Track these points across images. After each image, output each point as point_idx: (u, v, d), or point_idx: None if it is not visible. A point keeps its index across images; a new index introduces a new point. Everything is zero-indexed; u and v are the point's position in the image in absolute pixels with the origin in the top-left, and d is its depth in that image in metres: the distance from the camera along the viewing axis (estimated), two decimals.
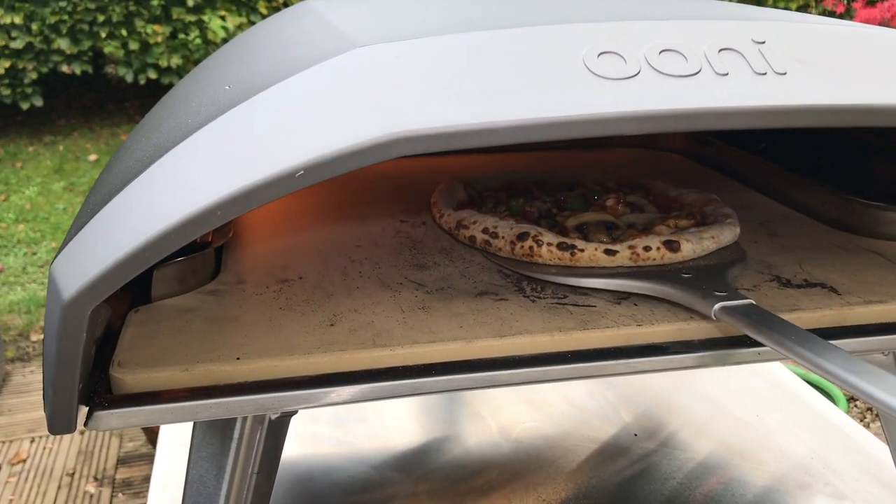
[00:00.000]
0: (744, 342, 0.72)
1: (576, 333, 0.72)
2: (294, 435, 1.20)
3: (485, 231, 0.89)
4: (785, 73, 0.59)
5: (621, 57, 0.58)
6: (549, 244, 0.84)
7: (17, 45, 5.32)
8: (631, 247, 0.84)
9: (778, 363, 1.52)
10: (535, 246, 0.85)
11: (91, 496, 2.71)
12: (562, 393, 1.32)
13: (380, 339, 0.70)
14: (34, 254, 4.51)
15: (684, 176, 1.21)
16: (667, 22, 0.62)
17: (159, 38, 5.59)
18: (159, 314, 0.75)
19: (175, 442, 1.22)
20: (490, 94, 0.56)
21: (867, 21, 4.75)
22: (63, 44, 5.42)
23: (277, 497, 1.09)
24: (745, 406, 1.32)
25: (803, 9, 5.64)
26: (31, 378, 3.39)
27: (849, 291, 0.80)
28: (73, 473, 2.82)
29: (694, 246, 0.85)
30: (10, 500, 2.67)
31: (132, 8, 5.49)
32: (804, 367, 0.62)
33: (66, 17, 5.37)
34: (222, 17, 5.69)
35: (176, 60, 5.64)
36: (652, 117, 0.55)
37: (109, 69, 6.13)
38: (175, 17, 5.60)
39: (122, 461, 2.90)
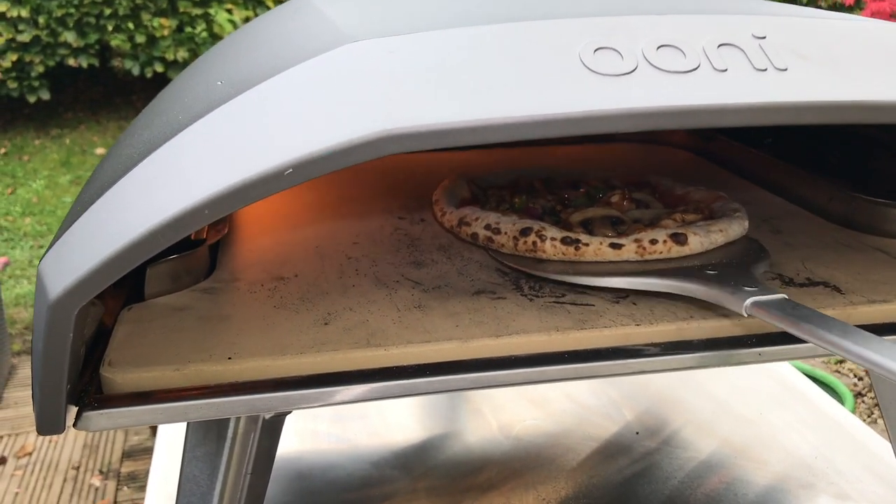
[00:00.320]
0: (744, 342, 0.71)
1: (573, 333, 0.71)
2: (293, 432, 1.20)
3: (487, 227, 0.88)
4: (786, 69, 0.58)
5: (618, 52, 0.57)
6: (553, 239, 0.83)
7: (24, 38, 5.32)
8: (637, 240, 0.82)
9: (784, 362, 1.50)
10: (538, 241, 0.83)
11: (96, 489, 2.71)
12: (563, 390, 1.31)
13: (374, 338, 0.69)
14: (41, 247, 4.52)
15: (689, 172, 1.19)
16: (665, 17, 0.60)
17: (166, 32, 5.58)
18: (152, 313, 0.74)
19: (174, 437, 1.22)
20: (483, 91, 0.55)
21: (876, 13, 4.71)
22: (70, 37, 5.42)
23: (276, 494, 1.08)
24: (749, 404, 1.31)
25: (813, 3, 5.59)
26: None
27: (852, 290, 0.79)
28: (79, 467, 2.83)
29: (702, 239, 0.83)
30: (17, 493, 2.68)
31: (138, 1, 5.48)
32: (855, 363, 0.58)
33: (72, 10, 5.37)
34: (228, 11, 5.68)
35: (182, 54, 5.64)
36: (648, 114, 0.53)
37: (116, 62, 6.14)
38: (181, 10, 5.59)
39: (128, 455, 2.90)
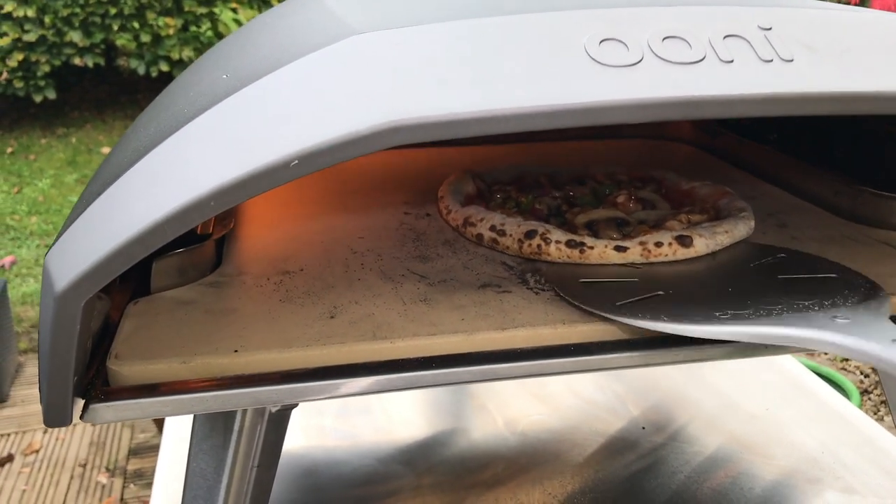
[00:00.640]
0: None
1: (579, 326, 0.71)
2: (299, 427, 1.20)
3: (492, 229, 0.88)
4: (792, 60, 0.58)
5: (623, 44, 0.57)
6: (558, 242, 0.83)
7: (30, 37, 5.34)
8: (642, 243, 0.83)
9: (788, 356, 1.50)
10: (543, 244, 0.84)
11: (103, 487, 2.72)
12: (569, 386, 1.31)
13: (380, 331, 0.69)
14: (47, 246, 4.53)
15: (695, 167, 1.19)
16: (671, 8, 0.60)
17: (171, 31, 5.59)
18: (158, 306, 0.75)
19: (180, 434, 1.22)
20: (490, 82, 0.55)
21: (882, 9, 4.70)
22: (75, 36, 5.44)
23: (283, 489, 1.09)
24: (756, 399, 1.31)
25: None
26: None
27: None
28: (86, 464, 2.83)
29: (707, 241, 0.84)
30: (24, 491, 2.69)
31: (144, 0, 5.49)
32: None
33: (78, 9, 5.38)
34: (233, 10, 5.69)
35: (188, 53, 5.65)
36: (654, 105, 0.53)
37: (121, 61, 6.15)
38: (186, 9, 5.60)
39: (134, 452, 2.91)
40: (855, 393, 2.55)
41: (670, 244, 0.82)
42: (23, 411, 3.12)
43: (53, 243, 0.60)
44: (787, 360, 1.46)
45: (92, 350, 0.68)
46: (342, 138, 0.51)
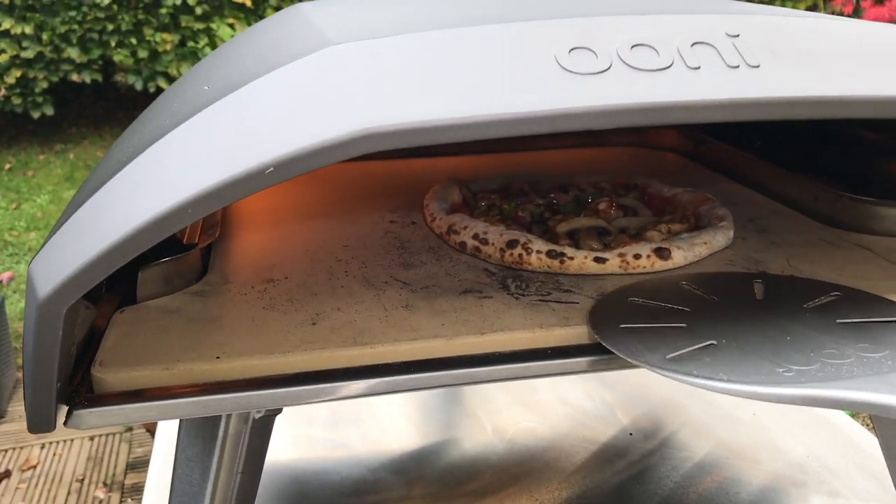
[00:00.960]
0: None
1: (557, 330, 0.72)
2: (288, 437, 1.20)
3: (475, 237, 0.89)
4: (758, 66, 0.59)
5: (593, 52, 0.58)
6: (539, 252, 0.85)
7: (28, 54, 5.37)
8: (621, 254, 0.84)
9: None
10: (524, 253, 0.85)
11: (101, 501, 2.72)
12: (557, 393, 1.32)
13: (361, 337, 0.70)
14: None
15: (680, 174, 1.21)
16: (640, 17, 0.62)
17: (168, 46, 5.62)
18: (144, 315, 0.76)
19: (172, 442, 1.23)
20: (461, 91, 0.56)
21: (876, 19, 4.73)
22: (73, 53, 5.47)
23: (272, 499, 1.09)
24: (743, 406, 1.32)
25: (812, 9, 5.62)
26: None
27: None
28: (83, 479, 2.83)
29: (685, 252, 0.85)
30: None
31: (141, 16, 5.52)
32: None
33: (75, 26, 5.42)
34: (230, 25, 5.72)
35: (185, 68, 5.68)
36: (620, 111, 0.55)
37: (119, 77, 6.19)
38: (183, 24, 5.63)
39: (132, 466, 2.91)
40: None
41: (648, 256, 0.83)
42: (20, 427, 3.12)
43: (37, 252, 0.61)
44: None
45: (78, 358, 0.69)
46: (316, 146, 0.52)
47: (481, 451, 1.19)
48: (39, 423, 0.60)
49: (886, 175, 1.03)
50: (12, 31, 5.28)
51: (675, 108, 0.56)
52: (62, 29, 5.40)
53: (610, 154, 1.33)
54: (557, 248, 0.85)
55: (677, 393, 1.37)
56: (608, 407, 1.30)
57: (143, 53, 5.59)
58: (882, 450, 0.87)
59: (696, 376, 0.61)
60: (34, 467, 2.88)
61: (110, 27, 5.48)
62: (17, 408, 3.24)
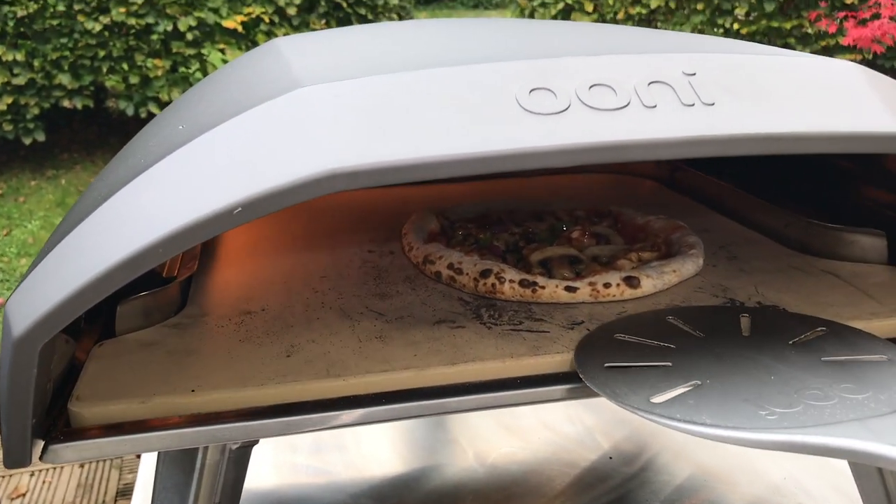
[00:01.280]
0: None
1: (527, 359, 0.73)
2: (272, 464, 1.21)
3: (450, 267, 0.91)
4: (713, 104, 0.61)
5: (552, 92, 0.60)
6: (511, 281, 0.86)
7: (20, 81, 5.38)
8: (591, 283, 0.86)
9: None
10: (497, 283, 0.87)
11: None
12: (539, 417, 1.33)
13: (334, 369, 0.72)
14: None
15: (656, 201, 1.23)
16: (599, 57, 0.64)
17: (160, 72, 5.65)
18: (122, 348, 0.77)
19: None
20: (425, 131, 0.58)
21: (858, 39, 4.78)
22: (64, 79, 5.49)
23: None
24: None
25: (798, 28, 5.68)
26: None
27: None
28: None
29: (654, 281, 0.87)
30: None
31: (132, 43, 5.55)
32: None
33: (67, 52, 5.44)
34: (221, 51, 5.76)
35: (176, 94, 5.70)
36: (577, 150, 0.57)
37: (111, 103, 6.21)
38: (175, 50, 5.66)
39: (122, 493, 2.90)
40: None
41: (618, 285, 0.85)
42: None
43: (13, 290, 0.62)
44: None
45: (57, 391, 0.70)
46: (282, 186, 0.54)
47: (463, 476, 1.20)
48: (15, 459, 0.61)
49: (855, 202, 1.05)
50: (4, 58, 5.30)
51: (631, 147, 0.58)
52: (54, 55, 5.42)
53: (588, 181, 1.35)
54: (529, 278, 0.86)
55: None
56: (588, 431, 1.31)
57: (134, 79, 5.62)
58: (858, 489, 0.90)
59: (679, 420, 0.62)
60: (23, 495, 2.87)
61: (102, 53, 5.51)
62: None
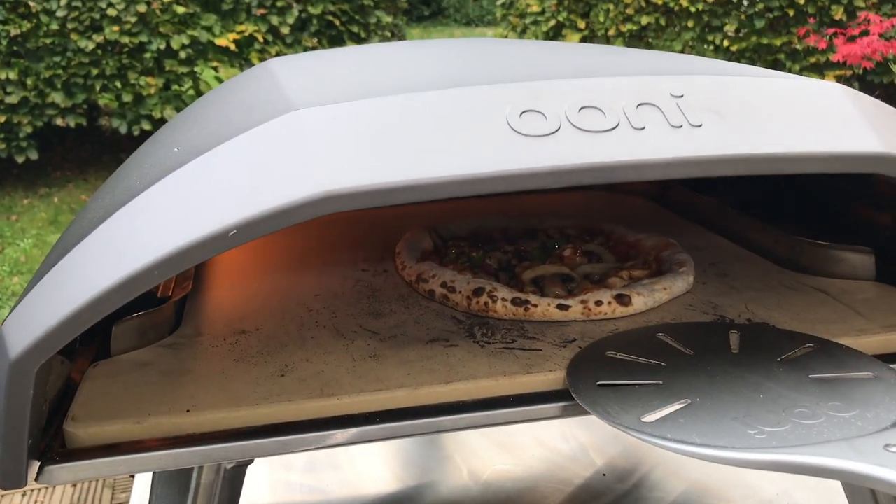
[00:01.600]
0: None
1: (520, 377, 0.74)
2: (267, 483, 1.21)
3: (443, 285, 0.92)
4: (700, 125, 0.62)
5: (542, 115, 0.61)
6: (504, 299, 0.87)
7: (12, 99, 5.39)
8: (583, 301, 0.86)
9: None
10: (490, 301, 0.87)
11: None
12: (533, 434, 1.33)
13: (328, 388, 0.72)
14: None
15: (647, 219, 1.23)
16: (588, 79, 0.65)
17: (152, 90, 5.66)
18: (117, 368, 0.77)
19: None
20: (417, 153, 0.59)
21: (847, 56, 4.82)
22: (57, 97, 5.49)
23: None
24: None
25: (787, 44, 5.73)
26: None
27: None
28: None
29: (645, 299, 0.88)
30: None
31: (125, 61, 5.57)
32: None
33: (60, 71, 5.45)
34: (215, 69, 5.77)
35: (169, 112, 5.71)
36: (567, 171, 0.58)
37: (103, 121, 6.22)
38: (168, 68, 5.68)
39: None
40: None
41: (609, 303, 0.86)
42: None
43: (10, 312, 0.63)
44: None
45: (52, 412, 0.71)
46: (276, 209, 0.55)
47: (457, 494, 1.21)
48: (10, 479, 0.61)
49: (844, 219, 1.06)
50: None
51: (619, 168, 0.59)
52: (47, 74, 5.43)
53: (580, 198, 1.36)
54: (522, 296, 0.87)
55: None
56: (582, 448, 1.32)
57: (127, 97, 5.63)
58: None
59: (670, 440, 0.62)
60: None
61: (95, 72, 5.52)
62: None
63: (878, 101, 0.71)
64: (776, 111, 0.66)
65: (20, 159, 5.71)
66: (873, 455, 0.58)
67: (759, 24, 5.70)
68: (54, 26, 5.31)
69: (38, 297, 0.60)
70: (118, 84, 5.61)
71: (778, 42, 5.76)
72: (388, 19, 6.30)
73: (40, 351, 0.56)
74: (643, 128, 0.61)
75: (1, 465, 0.60)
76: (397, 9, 6.67)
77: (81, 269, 0.59)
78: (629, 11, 6.05)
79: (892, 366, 0.72)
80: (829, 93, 0.69)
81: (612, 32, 6.17)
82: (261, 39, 5.79)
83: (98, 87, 5.58)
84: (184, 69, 5.71)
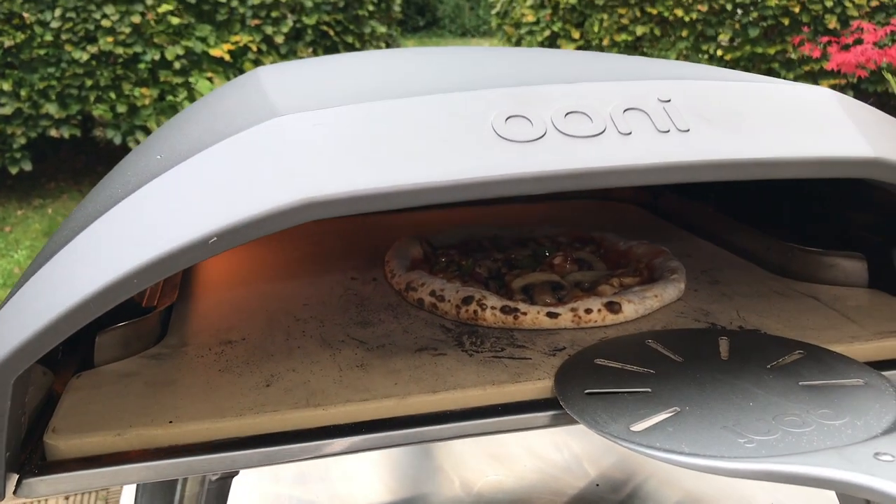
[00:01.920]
0: None
1: (508, 386, 0.73)
2: (257, 495, 1.20)
3: (432, 294, 0.91)
4: (688, 130, 0.62)
5: (528, 120, 0.60)
6: (493, 308, 0.86)
7: (6, 111, 5.38)
8: (573, 309, 0.86)
9: None
10: (479, 310, 0.87)
11: None
12: (525, 444, 1.32)
13: (314, 398, 0.71)
14: None
15: (638, 226, 1.23)
16: (574, 85, 0.64)
17: (147, 101, 5.65)
18: (100, 379, 0.76)
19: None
20: (400, 159, 0.58)
21: (842, 64, 4.83)
22: (52, 108, 5.49)
23: None
24: None
25: (781, 53, 5.74)
26: None
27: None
28: None
29: (636, 306, 0.87)
30: None
31: (119, 72, 5.56)
32: None
33: (54, 82, 5.44)
34: (209, 79, 5.77)
35: (164, 122, 5.71)
36: (552, 177, 0.57)
37: (98, 132, 6.21)
38: (162, 79, 5.67)
39: None
40: None
41: (599, 310, 0.85)
42: None
43: None
44: None
45: (34, 424, 0.69)
46: (257, 216, 0.54)
47: None
48: None
49: (835, 225, 1.05)
50: None
51: (606, 174, 0.58)
52: (41, 85, 5.42)
53: (571, 207, 1.35)
54: (511, 304, 0.86)
55: None
56: (575, 458, 1.31)
57: (121, 108, 5.62)
58: None
59: (658, 449, 0.61)
60: None
61: (89, 83, 5.52)
62: None
63: (868, 106, 0.71)
64: (765, 116, 0.65)
65: (14, 170, 5.70)
66: (864, 464, 0.57)
67: (753, 32, 5.72)
68: (48, 37, 5.31)
69: (16, 308, 0.59)
70: (112, 95, 5.60)
71: (772, 51, 5.78)
72: (382, 29, 6.30)
73: (16, 362, 0.55)
74: (630, 133, 0.61)
75: None
76: (392, 19, 6.68)
77: (59, 279, 0.58)
78: (624, 21, 6.07)
79: (883, 373, 0.71)
80: (818, 97, 0.68)
81: (606, 42, 6.18)
82: (255, 49, 5.79)
83: (92, 98, 5.57)
84: (178, 80, 5.70)
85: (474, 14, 13.16)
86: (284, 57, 5.91)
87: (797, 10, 5.61)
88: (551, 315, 0.85)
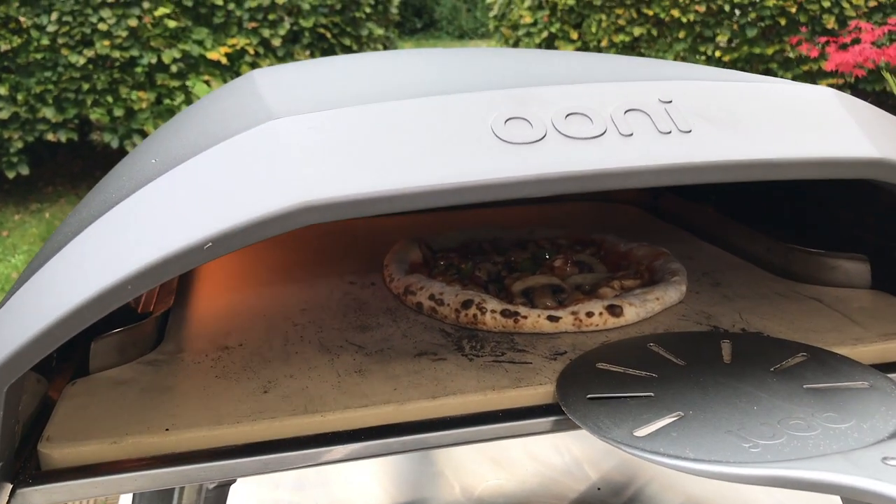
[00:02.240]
0: None
1: (509, 392, 0.72)
2: (255, 501, 1.19)
3: (431, 298, 0.90)
4: (690, 131, 0.61)
5: (528, 122, 0.59)
6: (493, 311, 0.85)
7: (3, 115, 5.37)
8: (574, 312, 0.85)
9: None
10: (479, 313, 0.86)
11: None
12: (526, 448, 1.31)
13: (312, 404, 0.70)
14: None
15: (639, 228, 1.22)
16: (574, 86, 0.63)
17: (144, 104, 5.64)
18: (95, 386, 0.75)
19: None
20: (398, 162, 0.57)
21: (840, 64, 4.82)
22: (49, 112, 5.47)
23: None
24: None
25: (780, 53, 5.74)
26: None
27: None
28: None
29: (637, 309, 0.86)
30: None
31: (117, 75, 5.55)
32: None
33: (51, 86, 5.43)
34: (206, 82, 5.76)
35: (161, 125, 5.70)
36: (552, 180, 0.56)
37: (95, 136, 6.19)
38: (159, 82, 5.66)
39: None
40: None
41: (601, 314, 0.84)
42: None
43: None
44: None
45: (28, 432, 0.68)
46: (252, 220, 0.53)
47: None
48: None
49: (838, 227, 1.04)
50: None
51: (607, 176, 0.57)
52: (38, 89, 5.41)
53: (571, 209, 1.35)
54: (511, 308, 0.85)
55: None
56: (576, 461, 1.30)
57: (119, 112, 5.61)
58: None
59: (663, 455, 0.60)
60: None
61: (86, 86, 5.51)
62: None
63: (871, 106, 0.70)
64: (767, 116, 0.64)
65: (11, 175, 5.69)
66: (871, 468, 0.56)
67: (751, 33, 5.71)
68: (45, 41, 5.30)
69: (8, 314, 0.58)
70: (109, 99, 5.59)
71: (770, 51, 5.77)
72: (379, 32, 6.30)
73: (9, 369, 0.54)
74: (631, 134, 0.60)
75: None
76: (389, 21, 6.67)
77: (53, 285, 0.57)
78: (621, 22, 6.06)
79: (888, 375, 0.71)
80: (820, 97, 0.67)
81: (604, 43, 6.18)
82: (252, 52, 5.78)
83: (89, 102, 5.56)
84: (175, 83, 5.69)
85: (471, 16, 13.16)
86: (281, 60, 5.90)
87: (795, 10, 5.60)
88: (552, 318, 0.84)
